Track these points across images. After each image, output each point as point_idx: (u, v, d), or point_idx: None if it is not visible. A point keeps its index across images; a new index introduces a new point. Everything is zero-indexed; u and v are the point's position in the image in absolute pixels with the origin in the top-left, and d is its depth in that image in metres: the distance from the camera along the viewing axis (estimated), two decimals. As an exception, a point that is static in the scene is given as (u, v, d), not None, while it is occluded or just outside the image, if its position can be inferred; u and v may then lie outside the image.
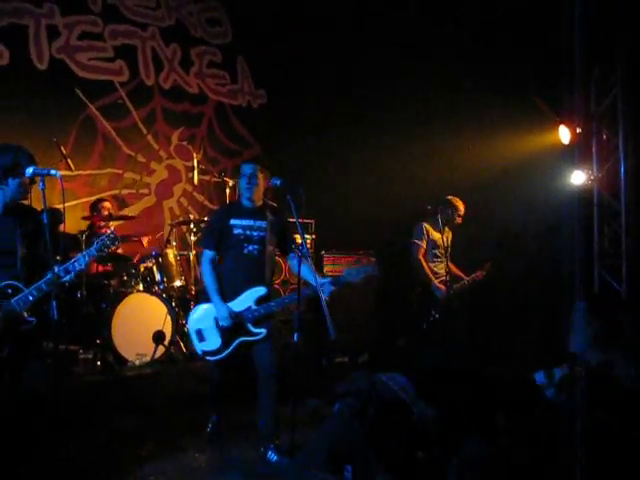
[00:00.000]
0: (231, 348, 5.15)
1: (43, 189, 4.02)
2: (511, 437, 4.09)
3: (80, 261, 4.37)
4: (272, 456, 5.03)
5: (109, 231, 4.61)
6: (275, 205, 5.56)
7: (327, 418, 4.68)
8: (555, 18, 7.68)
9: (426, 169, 8.93)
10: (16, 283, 4.22)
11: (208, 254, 5.30)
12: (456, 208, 7.55)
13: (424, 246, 7.58)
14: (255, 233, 5.25)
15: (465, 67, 8.75)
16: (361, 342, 7.98)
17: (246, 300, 5.16)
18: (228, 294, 5.19)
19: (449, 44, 8.83)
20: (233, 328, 5.13)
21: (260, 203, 5.36)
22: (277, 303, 5.21)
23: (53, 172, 4.07)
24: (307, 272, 5.12)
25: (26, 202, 4.44)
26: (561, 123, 7.60)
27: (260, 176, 5.24)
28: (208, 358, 5.27)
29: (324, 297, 4.80)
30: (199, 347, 5.27)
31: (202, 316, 5.28)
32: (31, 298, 4.19)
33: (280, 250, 5.53)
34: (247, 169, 5.26)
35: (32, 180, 4.28)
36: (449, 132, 8.80)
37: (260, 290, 5.17)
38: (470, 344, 7.55)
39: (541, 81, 8.14)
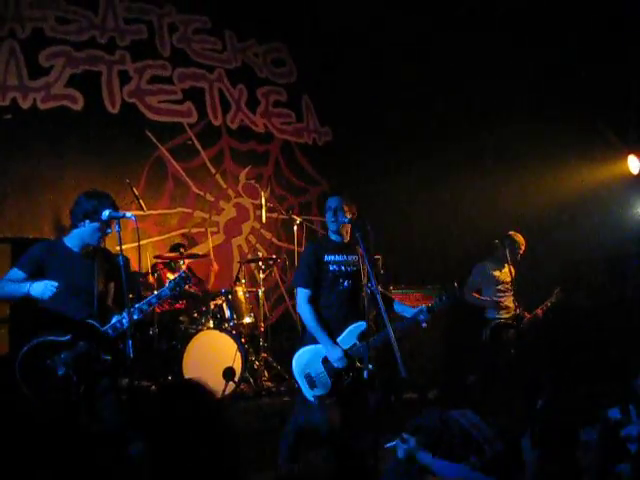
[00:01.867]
0: (341, 389, 4.94)
1: (119, 231, 4.16)
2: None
3: (152, 301, 4.53)
4: None
5: (181, 271, 4.74)
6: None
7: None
8: (623, 47, 7.62)
9: (493, 202, 8.90)
10: (92, 322, 4.36)
11: (305, 292, 5.06)
12: (518, 244, 7.57)
13: (478, 285, 7.74)
14: (349, 268, 5.08)
15: (532, 98, 8.72)
16: (430, 378, 7.91)
17: (350, 337, 4.97)
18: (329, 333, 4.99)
19: (515, 77, 8.83)
20: (344, 368, 4.93)
21: (349, 237, 5.20)
22: (380, 337, 4.92)
23: (128, 215, 4.22)
24: (400, 305, 5.18)
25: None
26: (630, 153, 7.49)
27: (346, 209, 5.07)
28: (325, 402, 4.93)
29: (423, 324, 4.95)
30: (310, 394, 4.96)
31: (310, 359, 5.00)
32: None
33: None
34: (332, 202, 5.12)
35: (107, 224, 4.45)
36: (515, 165, 8.76)
37: (361, 325, 4.94)
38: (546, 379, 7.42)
39: (609, 111, 8.07)
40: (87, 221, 4.42)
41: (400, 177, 9.65)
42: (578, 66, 8.26)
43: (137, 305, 4.45)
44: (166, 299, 4.67)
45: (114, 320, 4.39)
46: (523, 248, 7.61)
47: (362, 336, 4.93)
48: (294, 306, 8.23)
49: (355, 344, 4.95)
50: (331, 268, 5.07)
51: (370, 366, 4.76)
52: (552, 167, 8.43)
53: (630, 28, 7.54)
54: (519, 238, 7.61)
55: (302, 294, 5.08)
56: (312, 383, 4.97)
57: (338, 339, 4.98)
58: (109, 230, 4.50)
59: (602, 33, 7.85)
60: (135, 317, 4.43)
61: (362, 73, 9.76)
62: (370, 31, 9.57)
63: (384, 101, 9.70)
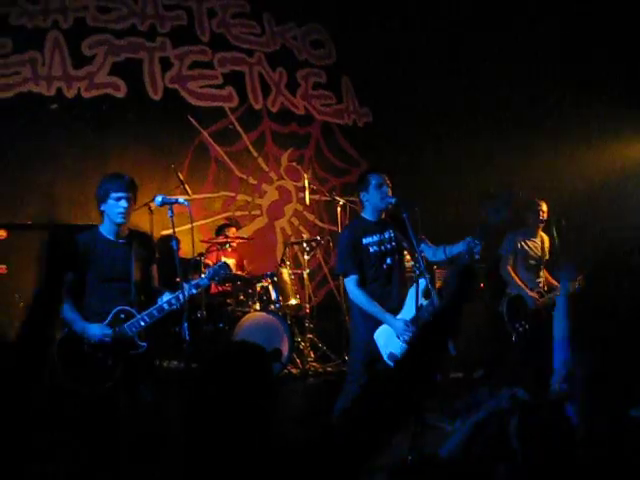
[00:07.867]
0: None
1: (172, 217, 4.22)
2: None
3: (191, 290, 4.55)
4: None
5: (220, 262, 4.85)
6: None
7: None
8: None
9: (530, 180, 8.82)
10: (129, 308, 4.44)
11: (353, 278, 5.00)
12: (538, 210, 7.38)
13: (512, 258, 7.46)
14: (388, 246, 5.05)
15: (570, 73, 8.63)
16: (476, 358, 7.89)
17: (409, 308, 4.90)
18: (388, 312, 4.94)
19: (554, 52, 8.73)
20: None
21: (383, 216, 5.17)
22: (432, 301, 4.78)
23: (181, 200, 4.28)
24: (443, 249, 5.22)
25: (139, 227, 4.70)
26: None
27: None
28: None
29: (477, 256, 4.76)
30: None
31: (387, 340, 4.90)
32: (143, 323, 4.41)
33: None
34: (381, 179, 5.04)
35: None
36: (551, 142, 8.69)
37: (419, 285, 4.80)
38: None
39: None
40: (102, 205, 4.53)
41: (440, 157, 9.60)
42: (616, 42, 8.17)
43: (174, 294, 4.47)
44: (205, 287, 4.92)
45: (151, 308, 4.46)
46: (544, 214, 7.37)
47: (425, 293, 4.80)
48: (338, 287, 8.28)
49: (421, 305, 4.80)
50: (371, 250, 5.03)
51: None
52: (590, 144, 8.34)
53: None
54: (541, 203, 7.37)
55: (350, 281, 5.02)
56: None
57: (398, 316, 4.92)
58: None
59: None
60: (173, 307, 4.46)
61: (401, 53, 9.71)
62: (409, 9, 9.53)
63: (423, 81, 9.64)
